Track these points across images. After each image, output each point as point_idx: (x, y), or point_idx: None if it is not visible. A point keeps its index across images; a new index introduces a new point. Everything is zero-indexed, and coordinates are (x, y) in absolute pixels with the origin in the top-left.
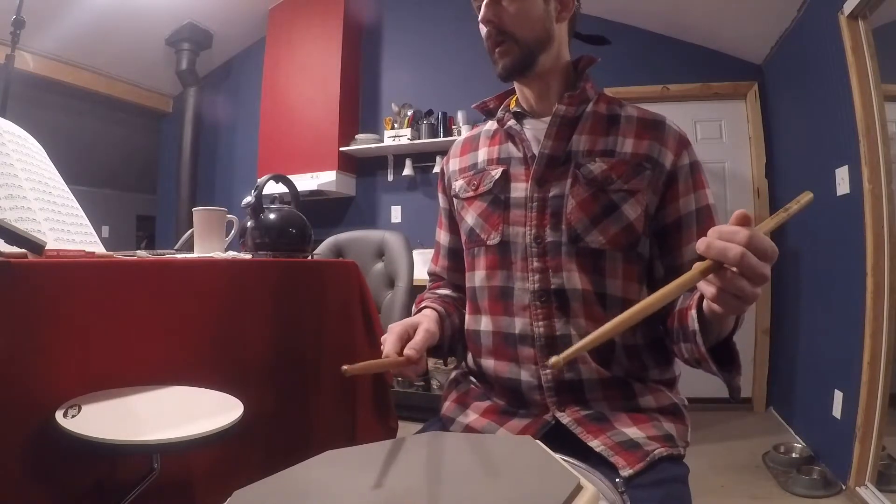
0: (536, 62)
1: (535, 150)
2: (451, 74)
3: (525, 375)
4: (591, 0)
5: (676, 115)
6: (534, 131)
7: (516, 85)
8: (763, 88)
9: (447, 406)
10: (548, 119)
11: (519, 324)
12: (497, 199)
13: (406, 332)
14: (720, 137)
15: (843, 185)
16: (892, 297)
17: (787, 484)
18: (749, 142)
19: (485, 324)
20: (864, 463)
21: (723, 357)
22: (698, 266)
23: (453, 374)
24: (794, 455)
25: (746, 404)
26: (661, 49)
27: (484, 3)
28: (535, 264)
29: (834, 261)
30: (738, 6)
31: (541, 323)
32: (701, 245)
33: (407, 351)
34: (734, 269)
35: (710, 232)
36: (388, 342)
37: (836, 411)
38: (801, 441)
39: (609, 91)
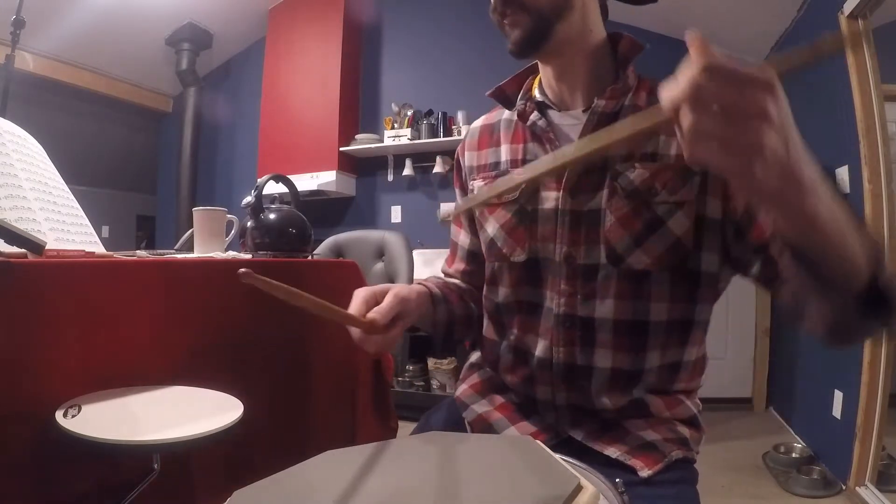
0: (553, 32)
1: None
2: (451, 74)
3: (541, 395)
4: None
5: None
6: (562, 127)
7: (539, 64)
8: None
9: (463, 390)
10: (576, 112)
11: (541, 345)
12: (523, 211)
13: (374, 296)
14: None
15: (842, 185)
16: None
17: (787, 484)
18: None
19: (506, 339)
20: (864, 463)
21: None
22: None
23: (474, 357)
24: (794, 455)
25: (746, 404)
26: (662, 49)
27: None
28: (563, 286)
29: None
30: (738, 6)
31: (561, 349)
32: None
33: (371, 315)
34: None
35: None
36: (351, 305)
37: (836, 411)
38: (801, 441)
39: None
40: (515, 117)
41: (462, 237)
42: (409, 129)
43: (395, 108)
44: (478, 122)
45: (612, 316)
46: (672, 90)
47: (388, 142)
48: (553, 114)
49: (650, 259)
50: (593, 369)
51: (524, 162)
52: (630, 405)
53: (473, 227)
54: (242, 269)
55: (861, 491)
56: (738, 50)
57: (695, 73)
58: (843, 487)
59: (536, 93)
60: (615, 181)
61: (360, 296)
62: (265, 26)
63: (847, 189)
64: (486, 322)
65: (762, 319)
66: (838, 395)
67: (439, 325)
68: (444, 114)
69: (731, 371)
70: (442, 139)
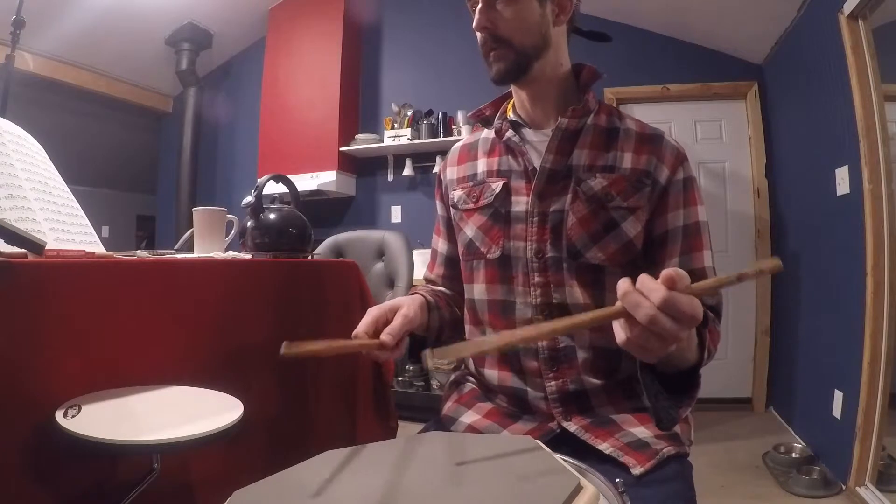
0: (532, 68)
1: (536, 163)
2: (451, 74)
3: (530, 387)
4: (590, 0)
5: (676, 115)
6: (533, 143)
7: (513, 88)
8: (763, 88)
9: (448, 406)
10: (547, 130)
11: None
12: (498, 213)
13: (385, 315)
14: (720, 137)
15: (843, 185)
16: (892, 297)
17: (787, 484)
18: (749, 142)
19: (488, 335)
20: (864, 463)
21: (683, 385)
22: (613, 308)
23: (453, 376)
24: (794, 455)
25: (746, 404)
26: (661, 49)
27: (478, 8)
28: (537, 279)
29: (834, 261)
30: (738, 6)
31: None
32: (620, 288)
33: (383, 336)
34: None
35: (640, 279)
36: (362, 323)
37: (836, 411)
38: (801, 441)
39: (609, 91)
40: (493, 135)
41: (440, 244)
42: (409, 129)
43: (395, 108)
44: (458, 144)
45: (581, 300)
46: (632, 302)
47: (388, 142)
48: (526, 131)
49: (604, 255)
50: (576, 349)
51: (499, 172)
52: (618, 386)
53: (450, 233)
54: (284, 349)
55: (861, 491)
56: (738, 50)
57: (656, 304)
58: (843, 487)
59: (511, 114)
60: (578, 187)
61: (372, 314)
62: (265, 26)
63: (847, 189)
64: (468, 326)
65: (762, 319)
66: (838, 395)
67: (432, 330)
68: (444, 114)
69: (731, 371)
70: (442, 139)
